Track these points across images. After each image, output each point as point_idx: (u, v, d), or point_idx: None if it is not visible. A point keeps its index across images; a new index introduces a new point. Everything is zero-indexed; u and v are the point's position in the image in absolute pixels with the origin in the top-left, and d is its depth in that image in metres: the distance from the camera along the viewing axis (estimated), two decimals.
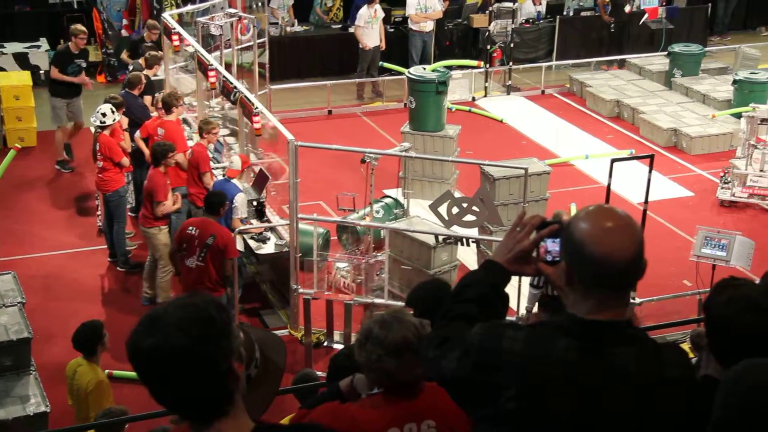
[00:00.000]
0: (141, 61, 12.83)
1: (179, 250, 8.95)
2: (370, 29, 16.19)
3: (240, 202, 9.73)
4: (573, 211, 11.72)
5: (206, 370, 2.11)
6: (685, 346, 6.52)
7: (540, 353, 2.45)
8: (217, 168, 10.95)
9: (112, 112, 10.59)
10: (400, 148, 10.93)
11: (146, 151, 10.90)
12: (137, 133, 11.25)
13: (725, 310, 2.99)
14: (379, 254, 9.68)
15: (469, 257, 10.64)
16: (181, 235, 8.95)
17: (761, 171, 12.46)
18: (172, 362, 2.08)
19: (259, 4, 15.66)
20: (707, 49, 17.72)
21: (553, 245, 2.60)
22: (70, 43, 13.16)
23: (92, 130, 11.43)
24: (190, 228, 8.87)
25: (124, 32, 17.05)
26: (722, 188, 12.64)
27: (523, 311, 8.95)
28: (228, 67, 12.62)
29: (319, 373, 6.95)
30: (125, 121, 11.26)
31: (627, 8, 17.50)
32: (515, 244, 2.67)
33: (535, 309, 8.29)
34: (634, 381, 2.44)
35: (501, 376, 2.46)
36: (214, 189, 9.73)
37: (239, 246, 9.47)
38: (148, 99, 12.11)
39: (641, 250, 2.45)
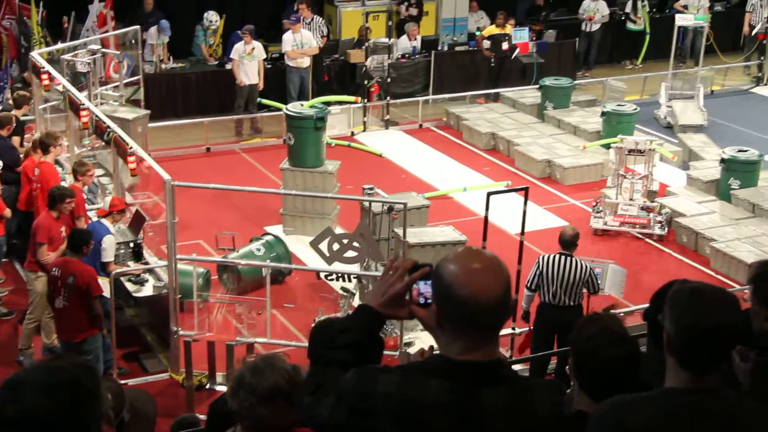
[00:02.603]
0: (10, 100, 12.47)
1: (49, 292, 8.91)
2: (244, 65, 16.15)
3: (108, 244, 9.54)
4: None
5: None
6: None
7: (413, 396, 2.47)
8: (92, 210, 10.69)
9: None
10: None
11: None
12: None
13: (590, 345, 3.09)
14: None
15: None
16: (48, 277, 8.95)
17: (631, 200, 12.90)
18: (37, 429, 2.00)
19: (133, 41, 15.43)
20: (576, 82, 18.30)
21: (425, 288, 2.63)
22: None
23: None
24: (54, 269, 8.80)
25: None
26: (595, 217, 13.02)
27: (403, 347, 9.08)
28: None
29: (200, 417, 6.82)
30: None
31: (505, 45, 17.93)
32: (388, 287, 2.68)
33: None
34: (505, 420, 2.48)
35: (376, 421, 2.47)
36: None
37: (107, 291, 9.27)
38: (16, 140, 11.76)
39: (508, 290, 2.50)
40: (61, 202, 9.48)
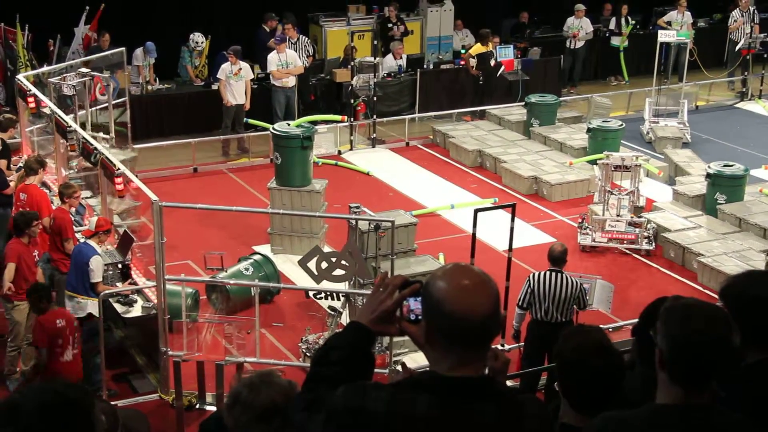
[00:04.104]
0: None
1: (52, 347, 8.54)
2: (231, 85, 16.19)
3: (95, 264, 9.51)
4: (441, 260, 11.90)
5: None
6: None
7: (403, 412, 2.48)
8: (79, 231, 10.68)
9: None
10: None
11: None
12: None
13: (575, 357, 3.10)
14: None
15: None
16: (51, 332, 8.52)
17: (618, 216, 12.94)
18: None
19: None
20: (562, 98, 18.39)
21: (415, 304, 2.65)
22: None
23: None
24: (58, 321, 8.55)
25: None
26: (582, 234, 13.04)
27: (392, 365, 9.07)
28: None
29: None
30: None
31: (492, 62, 18.02)
32: (378, 304, 2.70)
33: None
34: None
35: None
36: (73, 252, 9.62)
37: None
38: (3, 163, 11.74)
39: (497, 306, 2.52)
40: (27, 227, 9.45)
